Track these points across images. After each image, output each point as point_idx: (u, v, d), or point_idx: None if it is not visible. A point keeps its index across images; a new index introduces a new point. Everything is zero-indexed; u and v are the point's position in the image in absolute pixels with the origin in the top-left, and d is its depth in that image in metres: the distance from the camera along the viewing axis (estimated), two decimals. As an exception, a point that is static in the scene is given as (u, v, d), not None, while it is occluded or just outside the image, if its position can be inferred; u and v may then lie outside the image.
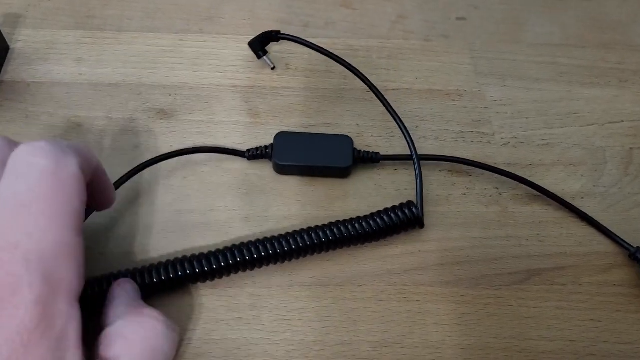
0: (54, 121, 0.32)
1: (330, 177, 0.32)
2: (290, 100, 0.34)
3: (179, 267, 0.26)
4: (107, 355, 0.21)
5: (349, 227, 0.28)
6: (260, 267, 0.27)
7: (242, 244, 0.27)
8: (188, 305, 0.27)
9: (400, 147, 0.33)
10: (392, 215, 0.29)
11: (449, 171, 0.33)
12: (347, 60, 0.33)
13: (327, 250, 0.28)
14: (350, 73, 0.33)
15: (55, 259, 0.19)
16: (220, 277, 0.27)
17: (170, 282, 0.26)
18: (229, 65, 0.36)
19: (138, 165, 0.30)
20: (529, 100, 0.36)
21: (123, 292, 0.24)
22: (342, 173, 0.32)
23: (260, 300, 0.28)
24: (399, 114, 0.32)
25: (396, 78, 0.36)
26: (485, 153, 0.33)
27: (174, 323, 0.23)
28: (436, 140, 0.34)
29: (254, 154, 0.31)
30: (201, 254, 0.27)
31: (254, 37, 0.35)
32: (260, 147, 0.32)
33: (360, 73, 0.32)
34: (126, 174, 0.29)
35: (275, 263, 0.28)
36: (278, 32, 0.34)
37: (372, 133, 0.33)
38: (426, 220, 0.30)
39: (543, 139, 0.34)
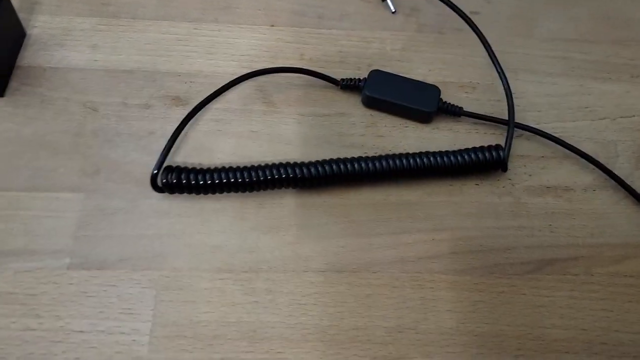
0: (69, 106, 0.33)
1: (413, 120, 0.34)
2: (305, 90, 0.35)
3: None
4: None
5: (443, 157, 0.31)
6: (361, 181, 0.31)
7: (345, 158, 0.30)
8: (205, 289, 0.28)
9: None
10: (479, 154, 0.31)
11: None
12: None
13: (419, 177, 0.31)
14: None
15: None
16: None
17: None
18: (244, 54, 0.36)
19: (242, 75, 0.34)
20: (542, 94, 0.36)
21: None
22: (424, 117, 0.34)
23: (275, 284, 0.28)
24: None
25: (409, 70, 0.36)
26: (498, 145, 0.34)
27: None
28: (449, 131, 0.34)
29: (347, 84, 0.34)
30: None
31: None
32: (354, 78, 0.34)
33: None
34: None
35: (377, 181, 0.31)
36: None
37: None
38: (441, 210, 0.30)
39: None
